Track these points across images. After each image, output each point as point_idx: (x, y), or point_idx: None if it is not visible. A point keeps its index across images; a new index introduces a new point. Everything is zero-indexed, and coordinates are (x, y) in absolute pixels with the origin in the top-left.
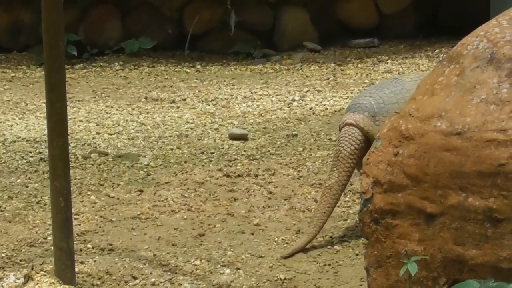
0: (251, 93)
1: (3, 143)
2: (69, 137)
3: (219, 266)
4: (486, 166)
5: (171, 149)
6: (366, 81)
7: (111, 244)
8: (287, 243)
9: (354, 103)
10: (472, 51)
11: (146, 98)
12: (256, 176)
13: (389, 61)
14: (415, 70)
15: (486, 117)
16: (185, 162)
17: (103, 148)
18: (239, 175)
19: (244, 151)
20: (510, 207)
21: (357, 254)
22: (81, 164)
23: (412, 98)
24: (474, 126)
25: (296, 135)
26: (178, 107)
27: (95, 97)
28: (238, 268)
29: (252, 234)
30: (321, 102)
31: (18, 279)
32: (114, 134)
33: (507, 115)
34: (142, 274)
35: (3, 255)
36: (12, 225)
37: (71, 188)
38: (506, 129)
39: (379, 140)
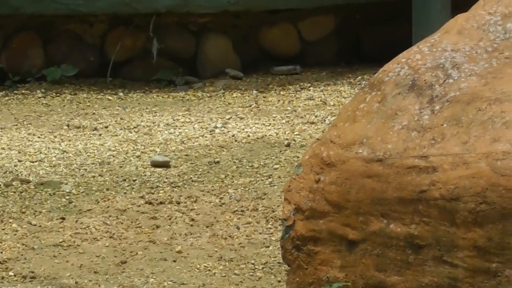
0: (173, 120)
1: None
2: None
3: None
4: (407, 192)
5: (93, 177)
6: (289, 108)
7: (33, 272)
8: (209, 270)
9: None
10: (393, 77)
11: (68, 125)
12: (178, 203)
13: (311, 88)
14: (338, 97)
15: (408, 143)
16: (107, 189)
17: (25, 175)
18: (161, 202)
19: (166, 178)
20: (432, 234)
21: (279, 281)
22: (2, 192)
23: (333, 125)
24: (395, 152)
25: (218, 162)
26: (100, 135)
27: (17, 125)
28: None
29: (174, 261)
30: (243, 129)
31: None
32: (36, 161)
33: (428, 141)
34: None
35: None
36: None
37: None
38: (428, 155)
39: (301, 167)
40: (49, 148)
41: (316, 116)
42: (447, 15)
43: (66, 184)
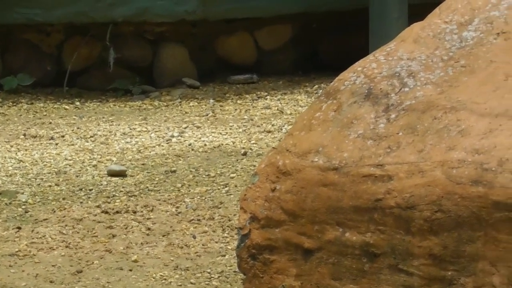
0: (130, 129)
1: None
2: None
3: None
4: (363, 201)
5: (50, 186)
6: (245, 117)
7: None
8: (165, 279)
9: None
10: (349, 86)
11: (24, 135)
12: (135, 212)
13: (268, 97)
14: (294, 106)
15: (363, 152)
16: (64, 199)
17: None
18: (117, 212)
19: (123, 187)
20: (387, 242)
21: None
22: None
23: (289, 134)
24: (351, 161)
25: (174, 171)
26: (56, 144)
27: None
28: None
29: (131, 270)
30: (200, 138)
31: None
32: None
33: (384, 150)
34: None
35: None
36: None
37: None
38: (383, 164)
39: (257, 176)
40: (5, 157)
41: (272, 125)
42: (404, 24)
43: (22, 193)
